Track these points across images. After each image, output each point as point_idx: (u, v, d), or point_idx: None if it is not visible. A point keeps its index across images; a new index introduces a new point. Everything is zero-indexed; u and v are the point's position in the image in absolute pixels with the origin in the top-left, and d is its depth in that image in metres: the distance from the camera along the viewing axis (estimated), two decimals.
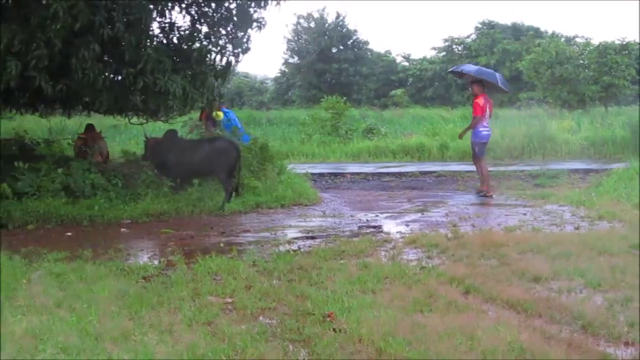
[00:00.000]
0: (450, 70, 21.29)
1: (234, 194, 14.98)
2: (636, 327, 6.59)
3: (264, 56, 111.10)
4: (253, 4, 16.02)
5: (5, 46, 11.54)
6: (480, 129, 16.58)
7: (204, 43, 16.36)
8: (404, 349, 6.16)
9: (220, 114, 17.69)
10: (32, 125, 21.44)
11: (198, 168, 15.10)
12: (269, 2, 16.00)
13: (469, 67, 19.05)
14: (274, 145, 23.18)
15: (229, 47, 16.55)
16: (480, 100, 16.57)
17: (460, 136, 17.79)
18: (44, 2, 11.62)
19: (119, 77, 15.17)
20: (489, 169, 17.67)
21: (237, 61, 16.92)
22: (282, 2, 15.94)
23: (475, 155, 16.95)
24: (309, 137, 31.23)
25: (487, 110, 16.59)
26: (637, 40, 45.38)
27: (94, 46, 13.25)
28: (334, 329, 6.68)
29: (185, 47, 16.47)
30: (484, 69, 19.23)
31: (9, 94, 16.13)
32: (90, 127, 18.45)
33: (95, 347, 6.17)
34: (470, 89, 18.04)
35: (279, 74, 73.14)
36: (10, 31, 11.52)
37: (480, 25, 66.86)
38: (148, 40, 14.79)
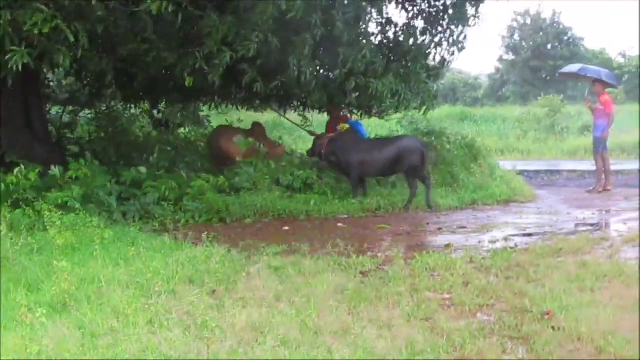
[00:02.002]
0: (559, 72, 21.32)
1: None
2: None
3: (478, 53, 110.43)
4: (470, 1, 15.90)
5: (219, 37, 11.88)
6: (606, 126, 17.16)
7: (420, 39, 16.36)
8: (624, 348, 5.98)
9: (346, 126, 16.71)
10: (248, 120, 22.09)
11: (383, 166, 14.78)
12: None
13: (574, 67, 20.01)
14: (490, 142, 22.97)
15: (445, 43, 16.53)
16: (608, 97, 17.34)
17: (605, 136, 17.60)
18: None
19: (332, 76, 15.40)
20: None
21: (452, 59, 16.88)
22: None
23: (598, 150, 17.43)
24: (524, 134, 30.88)
25: None
26: None
27: (310, 40, 13.52)
28: (552, 327, 6.53)
29: (401, 43, 16.53)
30: (589, 67, 19.60)
31: (225, 89, 16.68)
32: (256, 125, 18.41)
33: (314, 340, 6.21)
34: (591, 87, 18.18)
35: (493, 71, 72.38)
36: (226, 23, 11.87)
37: None
38: (364, 39, 14.91)
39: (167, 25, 11.73)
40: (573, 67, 19.48)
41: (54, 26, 10.17)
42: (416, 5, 16.68)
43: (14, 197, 11.64)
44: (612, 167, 18.45)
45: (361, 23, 14.65)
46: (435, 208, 14.37)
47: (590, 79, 17.76)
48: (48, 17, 10.06)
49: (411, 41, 16.17)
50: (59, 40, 10.67)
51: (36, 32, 10.10)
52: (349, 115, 17.74)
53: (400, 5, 16.75)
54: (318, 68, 14.56)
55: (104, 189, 12.60)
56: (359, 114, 18.08)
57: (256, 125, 18.08)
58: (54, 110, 21.24)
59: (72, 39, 10.45)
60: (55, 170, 12.52)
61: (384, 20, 16.60)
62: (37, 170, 12.29)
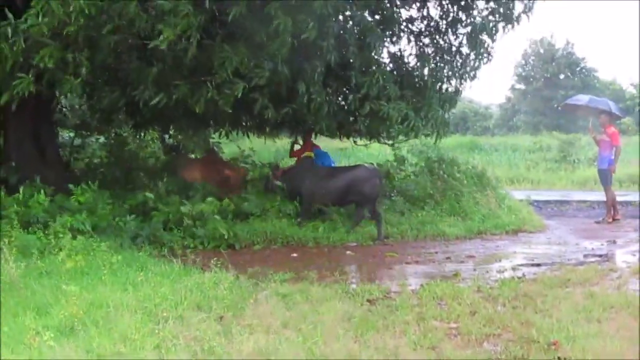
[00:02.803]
0: (565, 103, 21.35)
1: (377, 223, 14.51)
2: None
3: (489, 82, 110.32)
4: (483, 34, 15.89)
5: (232, 69, 11.85)
6: (612, 157, 17.20)
7: (432, 71, 16.39)
8: None
9: (312, 155, 16.72)
10: (259, 147, 22.09)
11: (337, 196, 14.67)
12: (499, 32, 15.86)
13: (582, 98, 19.66)
14: (499, 171, 23.00)
15: (457, 75, 16.57)
16: (615, 130, 17.31)
17: (614, 169, 17.59)
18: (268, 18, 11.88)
19: (344, 102, 15.40)
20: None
21: (463, 89, 16.89)
22: (510, 31, 15.72)
23: (606, 182, 17.46)
24: (534, 164, 30.87)
25: None
26: None
27: (321, 69, 13.54)
28: (559, 358, 6.52)
29: (413, 74, 16.62)
30: (597, 98, 19.54)
31: (236, 116, 16.70)
32: (210, 152, 18.51)
33: None
34: (598, 119, 18.11)
35: (504, 100, 72.50)
36: (239, 54, 11.86)
37: None
38: (375, 66, 14.97)
39: (178, 54, 11.74)
40: (581, 98, 19.40)
41: (60, 58, 10.30)
42: (429, 40, 16.74)
43: (24, 219, 11.71)
44: (622, 198, 18.42)
45: (373, 51, 14.67)
46: (386, 241, 14.12)
47: (597, 110, 17.72)
48: (54, 50, 10.19)
49: (424, 72, 16.21)
50: (66, 71, 10.78)
51: (42, 65, 10.24)
52: (319, 145, 17.64)
53: (413, 41, 16.83)
54: (329, 94, 14.48)
55: (113, 214, 12.64)
56: (368, 140, 18.13)
57: (210, 151, 18.54)
58: (65, 134, 21.33)
59: (72, 70, 10.56)
60: (67, 197, 12.62)
61: (397, 51, 16.72)
62: (43, 192, 12.36)
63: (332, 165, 17.14)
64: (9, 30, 10.38)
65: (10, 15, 10.51)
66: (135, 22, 10.60)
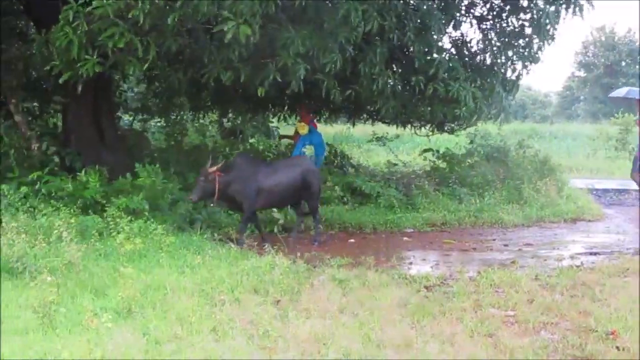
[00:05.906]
0: (609, 96, 21.25)
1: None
2: None
3: (548, 70, 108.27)
4: (547, 18, 15.62)
5: (295, 50, 11.75)
6: None
7: (495, 55, 16.22)
8: None
9: (305, 127, 15.41)
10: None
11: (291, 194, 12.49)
12: (563, 16, 15.58)
13: (621, 90, 20.27)
14: (558, 159, 22.74)
15: (520, 58, 16.31)
16: None
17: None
18: (335, 4, 11.74)
19: (407, 85, 15.26)
20: None
21: (527, 72, 16.63)
22: (574, 17, 15.46)
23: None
24: (594, 152, 30.50)
25: None
26: None
27: (383, 52, 13.43)
28: (617, 347, 6.47)
29: (476, 59, 16.54)
30: (634, 89, 19.55)
31: (294, 100, 16.64)
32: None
33: (377, 354, 6.21)
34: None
35: (561, 89, 71.75)
36: (301, 35, 11.78)
37: None
38: (437, 49, 14.83)
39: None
40: (621, 91, 19.32)
41: (128, 41, 10.33)
42: (491, 24, 16.58)
43: (80, 201, 11.74)
44: None
45: (434, 34, 14.53)
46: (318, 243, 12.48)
47: (637, 100, 17.56)
48: (124, 30, 10.22)
49: (487, 57, 16.08)
50: (130, 52, 10.81)
51: (110, 45, 10.28)
52: (315, 124, 16.92)
53: (476, 23, 16.67)
54: (390, 76, 14.22)
55: (170, 196, 12.65)
56: (429, 129, 18.00)
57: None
58: (126, 118, 21.51)
59: (141, 54, 10.58)
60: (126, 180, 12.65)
61: (459, 36, 16.61)
62: (100, 174, 12.44)
63: (322, 147, 16.12)
64: (71, 13, 10.46)
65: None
66: (199, 9, 10.55)
